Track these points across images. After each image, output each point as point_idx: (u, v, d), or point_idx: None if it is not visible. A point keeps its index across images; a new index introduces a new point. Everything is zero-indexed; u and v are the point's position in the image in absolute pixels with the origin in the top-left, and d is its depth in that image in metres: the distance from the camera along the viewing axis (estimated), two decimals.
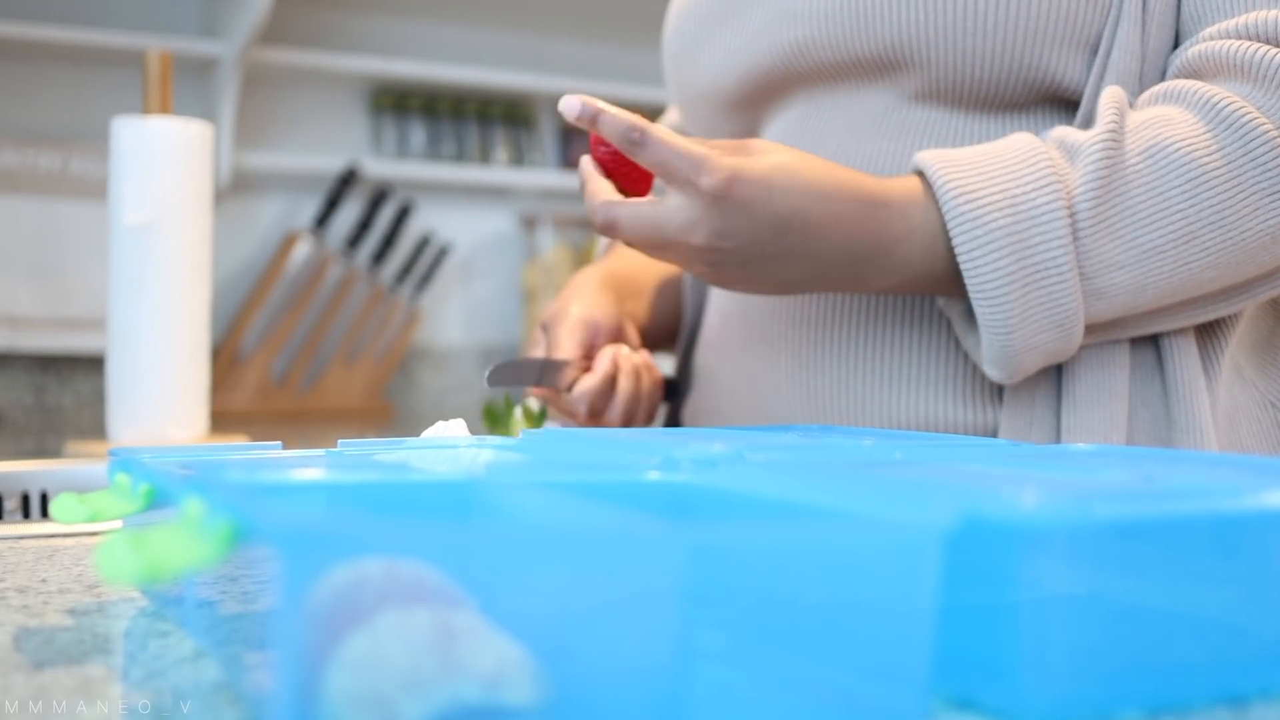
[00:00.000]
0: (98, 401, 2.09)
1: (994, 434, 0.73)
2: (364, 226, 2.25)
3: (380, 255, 2.27)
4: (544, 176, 2.43)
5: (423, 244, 2.32)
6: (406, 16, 2.39)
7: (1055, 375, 0.72)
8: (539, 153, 2.51)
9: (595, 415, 0.80)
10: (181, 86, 2.08)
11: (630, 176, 0.71)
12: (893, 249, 0.67)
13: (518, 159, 2.47)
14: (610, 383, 0.79)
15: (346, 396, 2.26)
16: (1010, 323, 0.66)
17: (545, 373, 0.79)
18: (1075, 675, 0.35)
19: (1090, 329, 0.69)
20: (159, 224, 1.15)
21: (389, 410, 2.29)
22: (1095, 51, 0.71)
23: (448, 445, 0.59)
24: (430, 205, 2.40)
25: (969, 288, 0.67)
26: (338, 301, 2.24)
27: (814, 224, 0.65)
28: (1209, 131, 0.66)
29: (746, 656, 0.33)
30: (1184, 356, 0.71)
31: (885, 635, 0.33)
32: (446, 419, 0.75)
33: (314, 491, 0.40)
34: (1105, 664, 0.35)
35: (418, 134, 2.38)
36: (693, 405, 0.90)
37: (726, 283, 0.69)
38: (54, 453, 1.29)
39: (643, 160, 0.66)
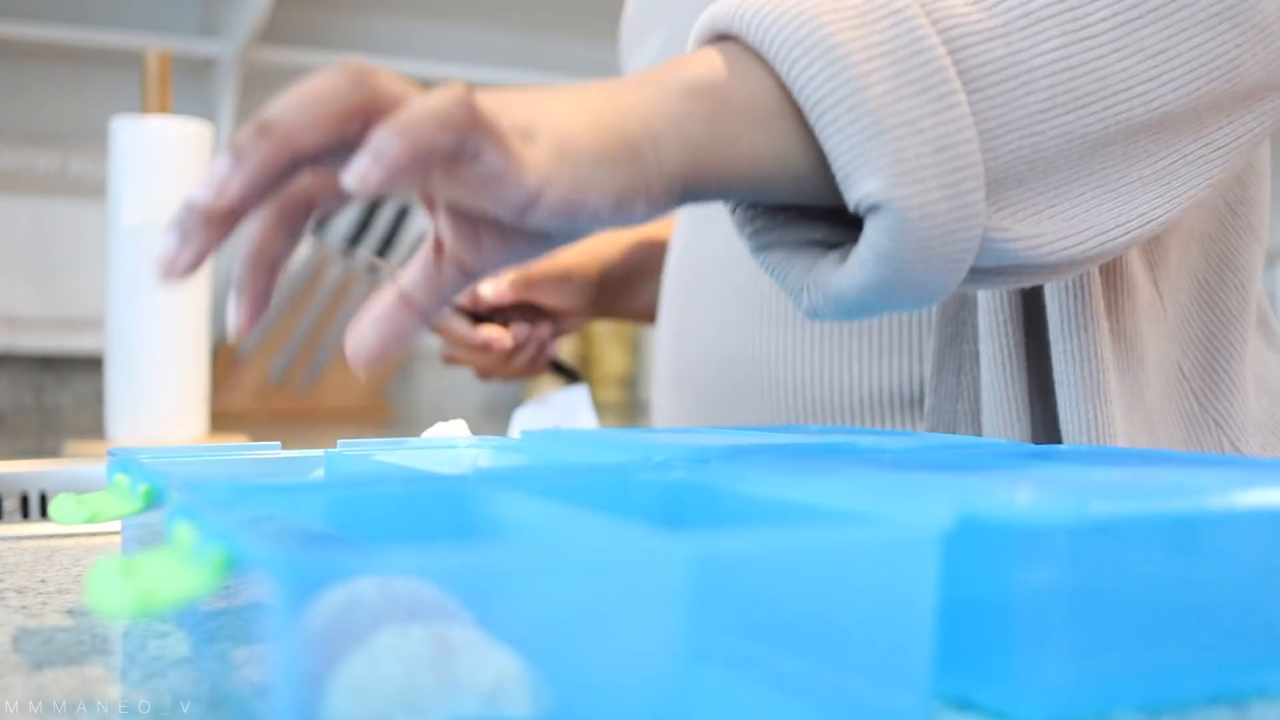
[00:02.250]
0: (97, 401, 2.09)
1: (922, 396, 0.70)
2: (363, 226, 2.25)
3: (380, 255, 2.27)
4: None
5: (422, 244, 2.32)
6: (406, 16, 2.39)
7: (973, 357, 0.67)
8: None
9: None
10: (181, 86, 2.08)
11: None
12: (686, 63, 0.48)
13: None
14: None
15: (346, 397, 2.26)
16: (873, 89, 0.45)
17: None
18: (1073, 674, 0.35)
19: (994, 185, 0.48)
20: (158, 224, 1.15)
21: (388, 410, 2.29)
22: None
23: (447, 446, 0.59)
24: None
25: (810, 106, 0.46)
26: (337, 301, 2.24)
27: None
28: None
29: (746, 659, 0.33)
30: (1089, 390, 0.63)
31: (885, 636, 0.33)
32: (446, 419, 0.75)
33: (307, 506, 0.40)
34: (1103, 663, 0.36)
35: None
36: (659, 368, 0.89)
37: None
38: (53, 453, 1.29)
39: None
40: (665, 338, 0.87)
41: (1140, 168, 0.52)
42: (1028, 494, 0.34)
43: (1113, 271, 0.66)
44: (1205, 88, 0.52)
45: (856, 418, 0.74)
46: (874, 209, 0.46)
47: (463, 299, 0.81)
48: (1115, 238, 0.52)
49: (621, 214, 0.45)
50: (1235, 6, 0.52)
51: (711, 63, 0.47)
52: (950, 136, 0.46)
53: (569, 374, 0.91)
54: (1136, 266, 0.67)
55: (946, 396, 0.69)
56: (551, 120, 0.45)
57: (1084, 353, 0.63)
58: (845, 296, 0.49)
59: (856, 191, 0.46)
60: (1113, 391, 0.63)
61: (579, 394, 0.82)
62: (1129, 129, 0.51)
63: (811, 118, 0.46)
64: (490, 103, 0.44)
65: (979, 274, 0.51)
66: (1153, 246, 0.68)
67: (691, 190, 0.47)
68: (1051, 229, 0.50)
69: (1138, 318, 0.67)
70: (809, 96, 0.46)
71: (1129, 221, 0.52)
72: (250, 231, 0.46)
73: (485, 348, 0.84)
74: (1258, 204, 0.73)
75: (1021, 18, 0.49)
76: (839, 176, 0.46)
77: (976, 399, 0.68)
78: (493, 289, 0.81)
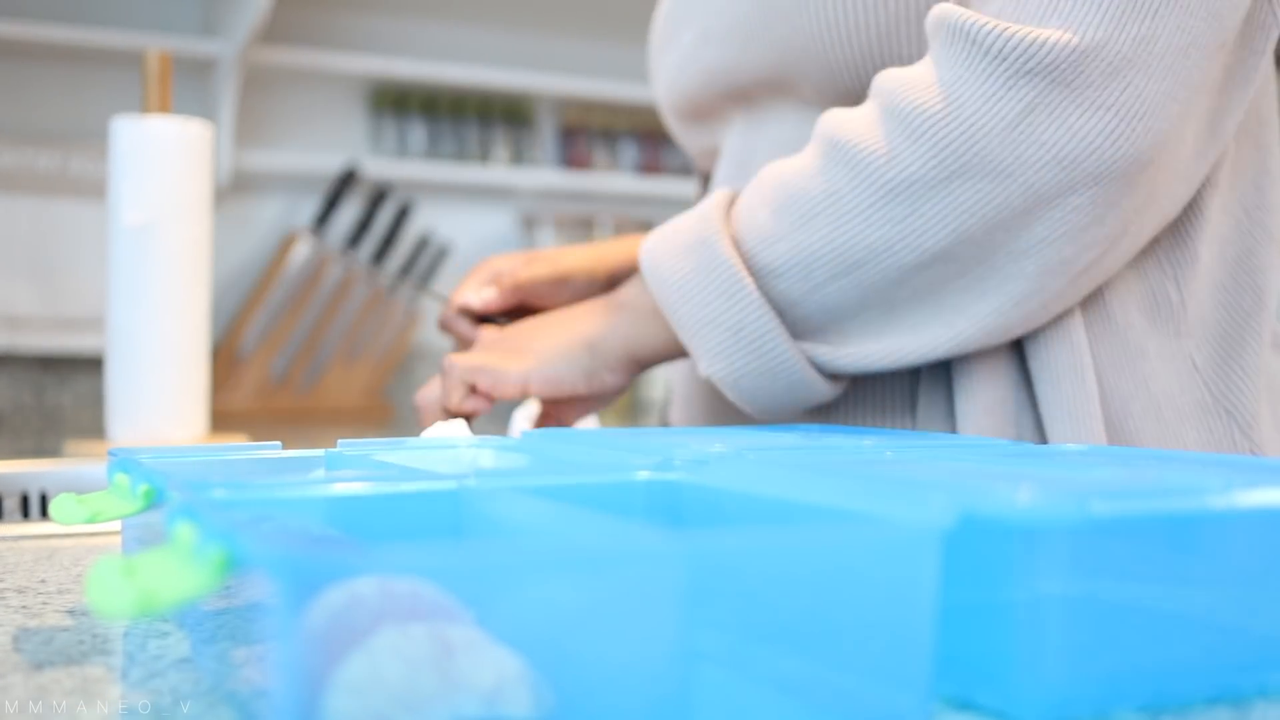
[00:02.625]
0: (97, 401, 2.09)
1: None
2: (364, 226, 2.25)
3: (380, 255, 2.27)
4: (544, 176, 2.43)
5: (422, 244, 2.32)
6: (406, 16, 2.39)
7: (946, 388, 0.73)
8: (539, 152, 2.51)
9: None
10: (181, 86, 2.08)
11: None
12: (621, 292, 0.79)
13: (517, 159, 2.47)
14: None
15: (346, 396, 2.27)
16: (682, 307, 0.71)
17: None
18: (1073, 674, 0.35)
19: (806, 336, 0.70)
20: (158, 224, 1.15)
21: (389, 410, 2.29)
22: None
23: (447, 446, 0.59)
24: (430, 205, 2.40)
25: (668, 319, 0.72)
26: (337, 301, 2.24)
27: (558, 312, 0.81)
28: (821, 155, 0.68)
29: (746, 659, 0.33)
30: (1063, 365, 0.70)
31: (885, 636, 0.33)
32: (446, 419, 0.75)
33: (306, 508, 0.40)
34: (1103, 663, 0.36)
35: (417, 134, 2.38)
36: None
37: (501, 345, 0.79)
38: (53, 453, 1.29)
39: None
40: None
41: (950, 288, 0.67)
42: (1028, 494, 0.34)
43: (1096, 295, 0.72)
44: (963, 226, 0.64)
45: (851, 416, 0.76)
46: (710, 378, 0.71)
47: (471, 302, 0.85)
48: (963, 336, 0.68)
49: (593, 387, 0.78)
50: (964, 166, 0.63)
51: (639, 291, 0.78)
52: (744, 319, 0.69)
53: None
54: (1133, 274, 0.73)
55: (936, 389, 0.73)
56: (538, 343, 0.78)
57: (1063, 359, 0.70)
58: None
59: (699, 369, 0.72)
60: (1090, 386, 0.69)
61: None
62: (909, 269, 0.66)
63: (672, 327, 0.73)
64: (506, 336, 0.80)
65: (859, 374, 0.72)
66: (1180, 251, 0.73)
67: (638, 365, 0.79)
68: (880, 347, 0.69)
69: (1129, 314, 0.73)
70: (665, 313, 0.73)
71: (962, 327, 0.68)
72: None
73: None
74: (1275, 209, 0.77)
75: (799, 218, 0.68)
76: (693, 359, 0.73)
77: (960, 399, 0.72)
78: (479, 299, 0.84)
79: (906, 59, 0.70)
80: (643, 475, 0.45)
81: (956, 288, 0.67)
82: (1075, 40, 0.61)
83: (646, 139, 2.57)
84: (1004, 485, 0.37)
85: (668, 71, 0.86)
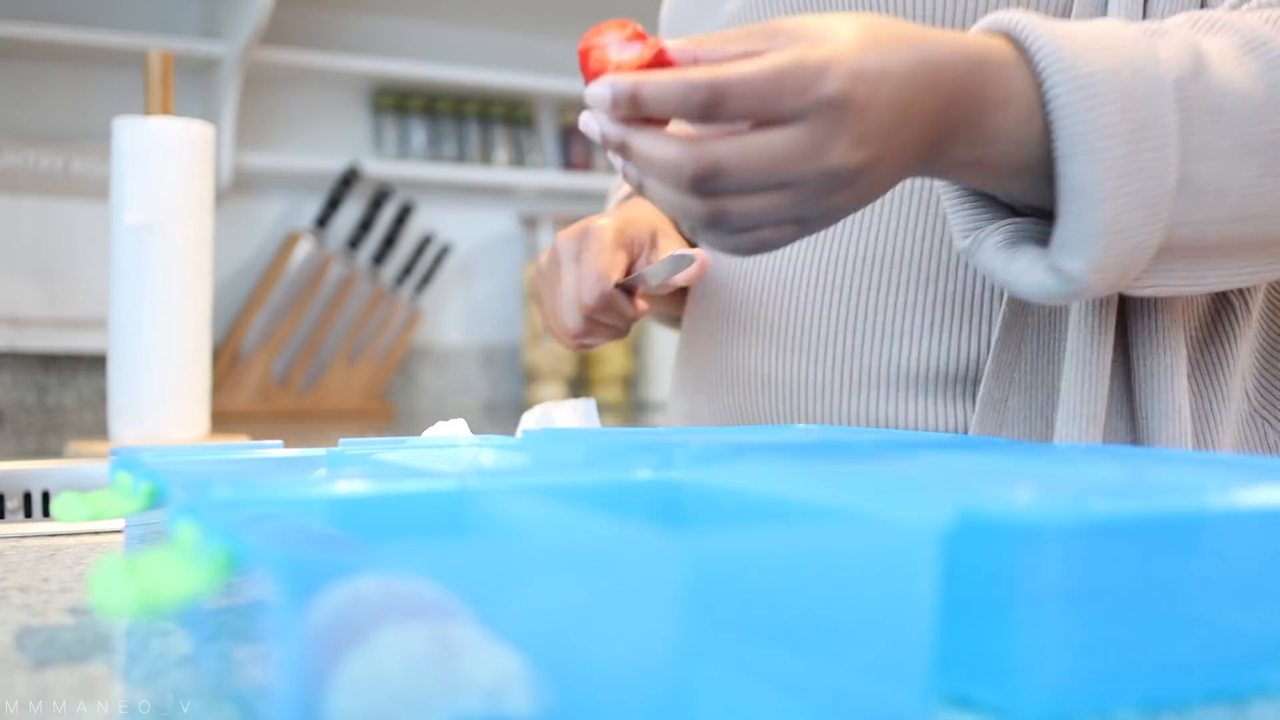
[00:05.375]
0: (99, 401, 2.09)
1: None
2: (365, 226, 2.25)
3: (381, 255, 2.28)
4: (545, 176, 2.43)
5: (423, 244, 2.32)
6: (407, 16, 2.39)
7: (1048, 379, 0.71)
8: (539, 153, 2.51)
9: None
10: (183, 87, 2.08)
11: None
12: (987, 115, 0.59)
13: (518, 159, 2.47)
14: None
15: (347, 396, 2.27)
16: (1108, 186, 0.57)
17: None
18: (1073, 673, 0.35)
19: (1158, 255, 0.61)
20: (160, 224, 1.15)
21: (390, 410, 2.29)
22: None
23: (448, 445, 0.59)
24: (431, 205, 2.40)
25: (1064, 147, 0.58)
26: (339, 301, 2.24)
27: (923, 91, 0.57)
28: None
29: (746, 659, 0.33)
30: (1165, 372, 0.68)
31: (885, 635, 0.33)
32: (447, 419, 0.75)
33: (308, 508, 0.40)
34: (1102, 661, 0.36)
35: (418, 134, 2.39)
36: (680, 374, 0.91)
37: (823, 218, 0.59)
38: (55, 452, 1.29)
39: (728, 116, 0.54)
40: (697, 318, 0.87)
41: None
42: (1028, 493, 0.34)
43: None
44: None
45: (903, 391, 0.75)
46: (1064, 271, 0.59)
47: (620, 278, 0.80)
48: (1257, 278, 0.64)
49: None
50: None
51: (1013, 137, 0.60)
52: (1144, 242, 0.59)
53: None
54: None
55: (1005, 364, 0.71)
56: (869, 175, 0.57)
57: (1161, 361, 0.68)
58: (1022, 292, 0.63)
59: (1062, 259, 0.59)
60: (1182, 392, 0.68)
61: (587, 405, 0.82)
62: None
63: (1059, 201, 0.59)
64: (844, 193, 0.58)
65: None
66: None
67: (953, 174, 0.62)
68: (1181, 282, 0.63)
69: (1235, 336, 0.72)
70: (1062, 182, 0.59)
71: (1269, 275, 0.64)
72: None
73: (636, 318, 0.84)
74: None
75: (1239, 148, 0.60)
76: (1056, 243, 0.60)
77: (1037, 371, 0.71)
78: (636, 275, 0.80)
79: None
80: (643, 475, 0.45)
81: None
82: None
83: None
84: (1004, 485, 0.37)
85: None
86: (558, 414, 0.81)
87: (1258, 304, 0.73)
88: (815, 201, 0.56)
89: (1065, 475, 0.43)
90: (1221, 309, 0.72)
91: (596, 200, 2.52)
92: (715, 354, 0.85)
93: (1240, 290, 0.72)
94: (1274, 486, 0.38)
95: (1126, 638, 0.36)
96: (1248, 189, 0.60)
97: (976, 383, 0.73)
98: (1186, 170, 0.59)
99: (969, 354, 0.73)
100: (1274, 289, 0.75)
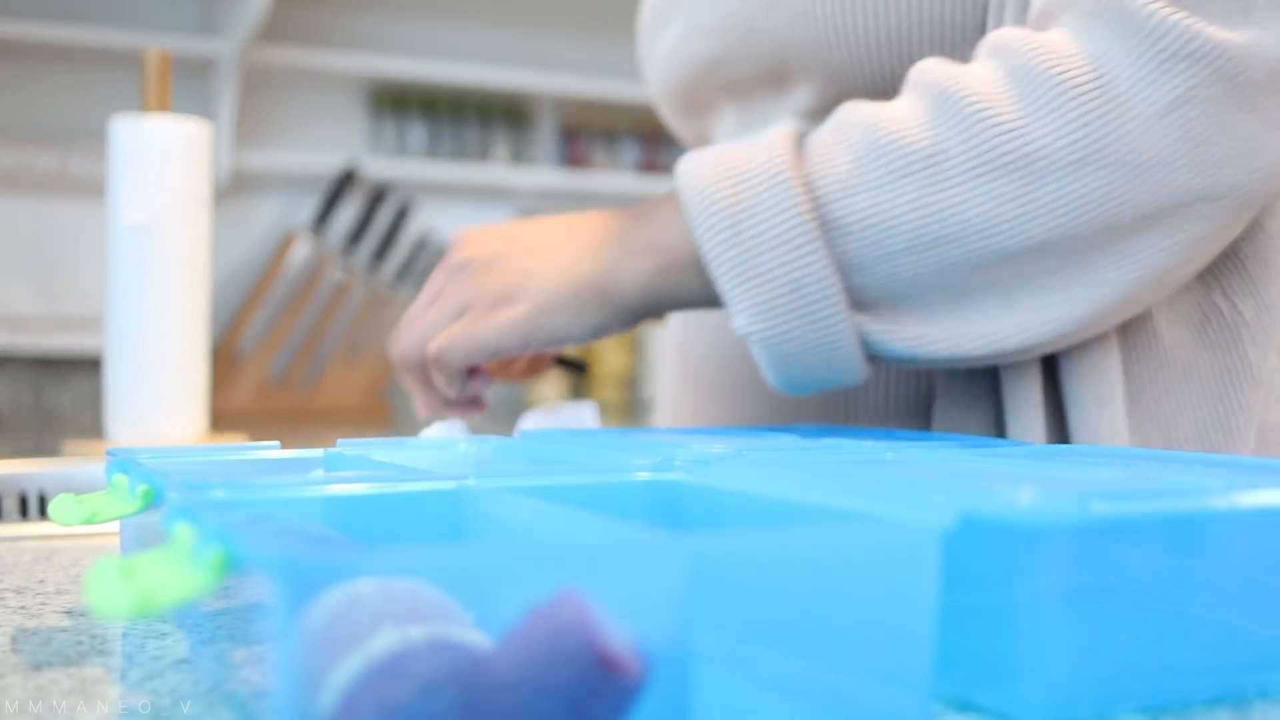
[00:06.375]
0: (96, 401, 2.09)
1: None
2: (363, 226, 2.25)
3: (379, 255, 2.27)
4: (543, 176, 2.43)
5: (422, 243, 2.32)
6: (406, 15, 2.39)
7: (990, 399, 0.69)
8: (539, 152, 2.51)
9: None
10: (180, 85, 2.08)
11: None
12: (645, 220, 0.66)
13: (517, 158, 2.47)
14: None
15: (345, 396, 2.26)
16: (741, 288, 0.61)
17: None
18: (1073, 675, 0.35)
19: (859, 308, 0.61)
20: (157, 224, 1.15)
21: (388, 410, 2.29)
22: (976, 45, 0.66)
23: (447, 446, 0.59)
24: (429, 205, 2.40)
25: (706, 262, 0.62)
26: (337, 301, 2.24)
27: (563, 221, 0.69)
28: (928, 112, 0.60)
29: (746, 659, 0.33)
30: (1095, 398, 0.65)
31: (885, 636, 0.33)
32: (445, 419, 0.75)
33: (306, 509, 0.40)
34: (1104, 663, 0.35)
35: (417, 133, 2.38)
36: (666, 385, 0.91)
37: (478, 300, 0.67)
38: (52, 453, 1.29)
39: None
40: (674, 330, 0.87)
41: (1034, 284, 0.59)
42: (1029, 494, 0.34)
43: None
44: (1078, 220, 0.57)
45: (863, 418, 0.74)
46: (746, 337, 0.62)
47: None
48: (1022, 337, 0.61)
49: (598, 337, 0.68)
50: (1100, 151, 0.57)
51: (666, 223, 0.65)
52: (804, 277, 0.60)
53: (576, 367, 0.90)
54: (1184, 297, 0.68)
55: (961, 393, 0.70)
56: (536, 278, 0.67)
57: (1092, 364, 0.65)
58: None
59: (735, 324, 0.62)
60: (1119, 399, 0.65)
61: (587, 409, 0.81)
62: (1000, 257, 0.59)
63: (709, 272, 0.63)
64: (483, 275, 0.68)
65: (901, 362, 0.64)
66: (1240, 274, 0.68)
67: (654, 316, 0.69)
68: (938, 331, 0.61)
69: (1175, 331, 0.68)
70: (704, 255, 0.62)
71: (1035, 326, 0.60)
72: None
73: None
74: None
75: (888, 173, 0.59)
76: (728, 312, 0.63)
77: (987, 396, 0.69)
78: None
79: (915, 63, 0.66)
80: (643, 475, 0.45)
81: (1041, 285, 0.60)
82: (1246, 39, 0.56)
83: (646, 138, 2.57)
84: (1004, 485, 0.37)
85: (659, 61, 0.83)
86: (557, 415, 0.81)
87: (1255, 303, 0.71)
88: (459, 291, 0.68)
89: (1067, 476, 0.43)
90: (1210, 315, 0.69)
91: (595, 199, 2.52)
92: (702, 365, 0.85)
93: (1226, 293, 0.69)
94: (1274, 487, 0.38)
95: (1128, 640, 0.36)
96: (912, 213, 0.59)
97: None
98: (830, 210, 0.60)
99: (923, 377, 0.72)
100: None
